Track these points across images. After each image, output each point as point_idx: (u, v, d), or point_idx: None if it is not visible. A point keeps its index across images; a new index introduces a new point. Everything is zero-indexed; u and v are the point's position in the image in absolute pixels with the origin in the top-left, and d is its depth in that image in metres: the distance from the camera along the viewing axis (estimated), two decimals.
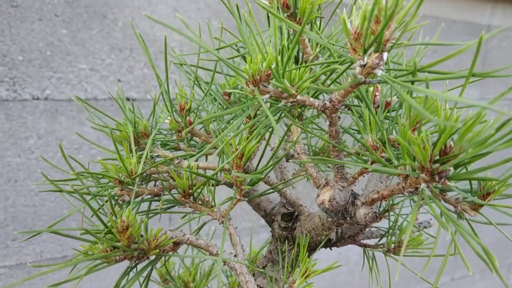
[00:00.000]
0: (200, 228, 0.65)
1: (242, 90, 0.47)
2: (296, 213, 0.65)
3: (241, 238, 0.56)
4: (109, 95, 1.44)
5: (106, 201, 0.55)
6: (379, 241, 0.67)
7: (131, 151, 0.60)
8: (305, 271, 0.57)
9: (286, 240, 0.65)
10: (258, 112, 0.61)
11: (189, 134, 0.68)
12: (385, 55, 0.38)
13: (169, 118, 0.64)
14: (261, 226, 1.82)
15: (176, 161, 0.62)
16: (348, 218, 0.50)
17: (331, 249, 0.64)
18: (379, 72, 0.38)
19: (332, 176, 0.52)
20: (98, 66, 1.40)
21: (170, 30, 1.35)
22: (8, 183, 1.32)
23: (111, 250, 0.50)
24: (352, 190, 0.50)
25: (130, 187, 0.57)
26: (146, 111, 1.48)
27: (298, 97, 0.44)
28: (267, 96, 0.43)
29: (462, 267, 2.56)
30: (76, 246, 1.47)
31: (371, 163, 0.47)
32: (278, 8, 0.59)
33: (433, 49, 2.10)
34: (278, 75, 0.43)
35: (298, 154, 0.57)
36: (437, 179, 0.38)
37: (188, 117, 0.64)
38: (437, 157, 0.39)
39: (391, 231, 0.65)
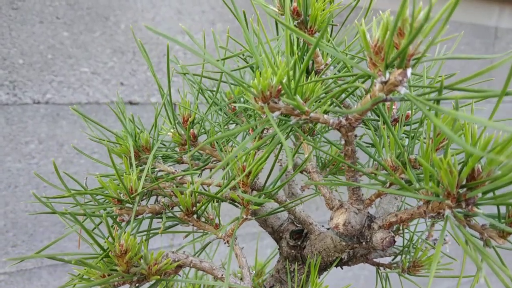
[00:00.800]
0: (203, 248, 0.62)
1: (249, 105, 0.45)
2: (305, 230, 0.62)
3: (246, 244, 0.54)
4: (111, 99, 1.41)
5: (101, 222, 0.53)
6: (393, 260, 0.64)
7: (131, 165, 0.57)
8: None
9: (295, 260, 0.62)
10: (266, 127, 0.58)
11: (192, 147, 0.65)
12: (408, 71, 0.35)
13: (172, 130, 0.61)
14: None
15: (179, 178, 0.59)
16: (363, 243, 0.47)
17: (342, 268, 0.61)
18: (402, 90, 0.35)
19: (342, 191, 0.50)
20: (100, 69, 1.38)
21: (174, 33, 1.32)
22: (8, 188, 1.30)
23: (109, 275, 0.47)
24: (368, 212, 0.47)
25: (128, 205, 0.54)
26: (148, 115, 1.46)
27: (312, 114, 0.41)
28: (277, 113, 0.40)
29: (469, 272, 2.52)
30: (78, 252, 1.45)
31: (389, 185, 0.44)
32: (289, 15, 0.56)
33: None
34: (290, 91, 0.40)
35: (309, 173, 0.54)
36: (463, 206, 0.35)
37: (192, 130, 0.62)
38: (464, 182, 0.36)
39: (405, 249, 0.62)
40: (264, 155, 0.43)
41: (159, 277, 0.46)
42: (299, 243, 0.61)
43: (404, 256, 0.62)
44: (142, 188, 0.53)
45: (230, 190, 0.52)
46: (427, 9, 0.31)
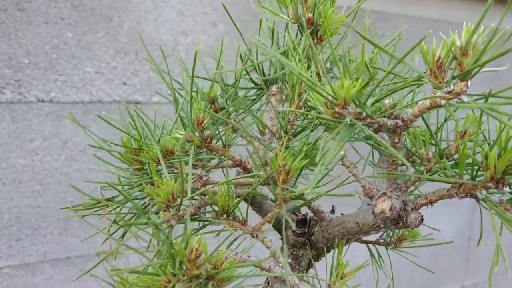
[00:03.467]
0: (230, 245, 0.65)
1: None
2: (308, 218, 0.67)
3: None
4: (114, 98, 1.44)
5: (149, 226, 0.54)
6: (380, 237, 0.70)
7: (157, 171, 0.59)
8: (342, 274, 0.60)
9: (303, 246, 0.67)
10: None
11: (204, 148, 0.67)
12: (469, 83, 0.43)
13: (181, 132, 0.63)
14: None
15: (204, 178, 0.62)
16: (400, 223, 0.56)
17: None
18: (465, 98, 0.43)
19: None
20: (103, 69, 1.41)
21: (176, 34, 1.35)
22: (12, 184, 1.34)
23: (178, 281, 0.47)
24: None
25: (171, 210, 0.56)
26: (150, 115, 1.49)
27: (375, 118, 0.47)
28: (348, 118, 0.45)
29: (473, 274, 2.54)
30: (81, 247, 1.48)
31: (427, 172, 0.54)
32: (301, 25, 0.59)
33: None
34: (360, 99, 0.46)
35: (347, 167, 0.60)
36: (500, 187, 0.46)
37: (207, 132, 0.64)
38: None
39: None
40: (335, 149, 0.45)
41: (225, 276, 0.47)
42: (306, 230, 0.66)
43: (391, 232, 0.68)
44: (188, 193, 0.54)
45: (273, 184, 0.55)
46: (490, 39, 0.40)
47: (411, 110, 0.48)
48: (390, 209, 0.54)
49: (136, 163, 0.69)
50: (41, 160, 1.37)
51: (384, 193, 0.56)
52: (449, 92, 0.43)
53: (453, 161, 0.56)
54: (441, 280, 2.46)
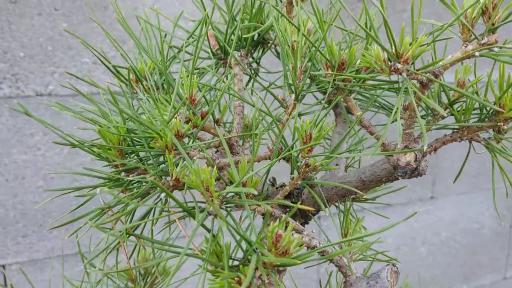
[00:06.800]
0: (241, 221, 0.62)
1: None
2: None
3: None
4: (114, 89, 1.40)
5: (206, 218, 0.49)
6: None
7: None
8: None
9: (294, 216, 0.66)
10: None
11: (196, 129, 0.61)
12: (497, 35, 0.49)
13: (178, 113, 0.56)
14: None
15: (217, 161, 0.56)
16: (415, 172, 0.59)
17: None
18: (496, 49, 0.49)
19: None
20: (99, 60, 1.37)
21: (173, 18, 1.28)
22: (15, 180, 1.32)
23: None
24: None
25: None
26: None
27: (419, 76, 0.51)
28: (404, 74, 0.49)
29: None
30: (87, 243, 1.46)
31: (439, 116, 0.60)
32: None
33: None
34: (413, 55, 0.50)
35: (367, 127, 0.60)
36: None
37: (203, 110, 0.58)
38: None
39: None
40: (398, 102, 0.49)
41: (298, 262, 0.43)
42: (293, 200, 0.65)
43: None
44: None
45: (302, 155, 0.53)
46: None
47: (441, 63, 0.51)
48: (415, 160, 0.58)
49: (120, 156, 0.61)
50: (43, 155, 1.35)
51: (406, 146, 0.59)
52: (483, 44, 0.49)
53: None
54: (480, 271, 2.31)
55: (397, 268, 0.56)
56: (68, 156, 1.37)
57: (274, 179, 0.65)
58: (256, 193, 0.46)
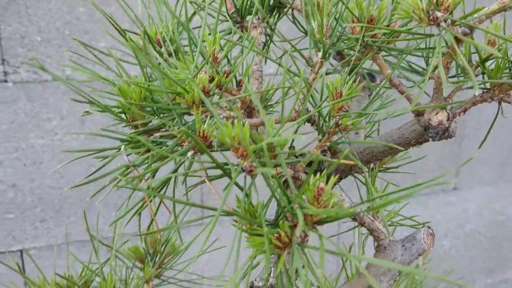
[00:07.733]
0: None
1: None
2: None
3: None
4: (130, 73, 1.39)
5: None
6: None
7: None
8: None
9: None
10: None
11: (217, 90, 0.58)
12: None
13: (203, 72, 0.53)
14: None
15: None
16: (446, 133, 0.56)
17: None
18: None
19: None
20: (118, 44, 1.36)
21: None
22: (33, 165, 1.32)
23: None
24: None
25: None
26: None
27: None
28: (443, 24, 0.47)
29: None
30: (104, 228, 1.46)
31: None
32: None
33: None
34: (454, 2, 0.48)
35: (397, 86, 0.59)
36: None
37: (226, 69, 0.56)
38: None
39: None
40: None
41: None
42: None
43: None
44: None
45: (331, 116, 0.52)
46: None
47: (475, 15, 0.49)
48: (448, 119, 0.56)
49: (139, 116, 0.59)
50: (60, 140, 1.34)
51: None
52: None
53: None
54: (505, 265, 2.23)
55: (432, 230, 0.53)
56: (86, 141, 1.37)
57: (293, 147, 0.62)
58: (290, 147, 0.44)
